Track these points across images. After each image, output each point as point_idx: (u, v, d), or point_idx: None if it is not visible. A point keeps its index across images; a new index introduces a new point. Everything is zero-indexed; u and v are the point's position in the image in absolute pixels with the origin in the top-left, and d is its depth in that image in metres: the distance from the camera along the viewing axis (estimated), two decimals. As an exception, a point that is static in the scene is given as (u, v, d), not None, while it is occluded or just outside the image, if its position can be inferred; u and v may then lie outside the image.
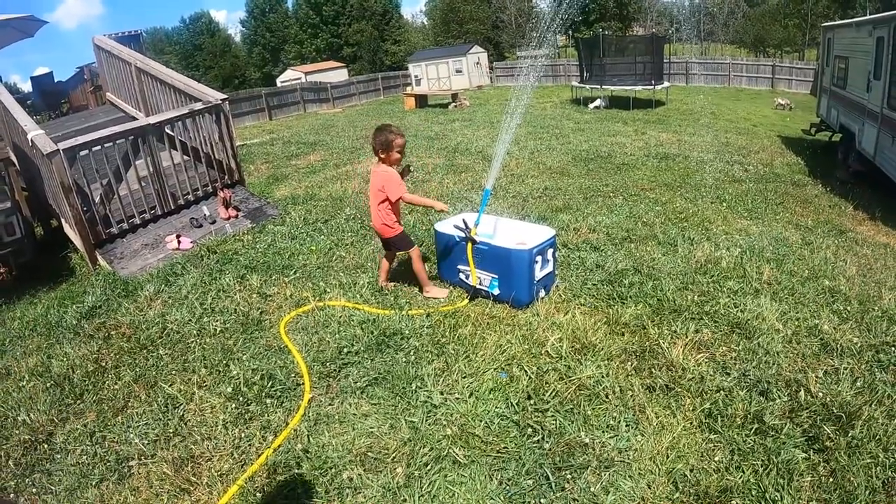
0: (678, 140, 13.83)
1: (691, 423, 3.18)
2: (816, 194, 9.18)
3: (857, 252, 6.26)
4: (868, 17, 10.25)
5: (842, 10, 43.20)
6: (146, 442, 3.34)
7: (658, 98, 22.57)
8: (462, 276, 4.83)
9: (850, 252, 6.21)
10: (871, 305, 4.57)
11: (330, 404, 3.54)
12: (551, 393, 3.43)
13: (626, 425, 3.18)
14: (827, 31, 13.95)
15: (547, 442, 3.07)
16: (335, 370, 3.88)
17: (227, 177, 7.91)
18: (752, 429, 3.09)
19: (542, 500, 2.71)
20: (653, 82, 21.98)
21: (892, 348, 3.84)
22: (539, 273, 4.51)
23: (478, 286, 4.69)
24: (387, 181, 4.50)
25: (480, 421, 3.25)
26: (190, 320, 4.76)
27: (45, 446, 3.45)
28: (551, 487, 2.78)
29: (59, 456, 3.34)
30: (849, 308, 4.50)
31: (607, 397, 3.41)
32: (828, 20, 30.28)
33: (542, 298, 4.63)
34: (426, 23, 73.74)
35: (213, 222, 7.16)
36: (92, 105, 13.26)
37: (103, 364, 4.26)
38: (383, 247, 5.05)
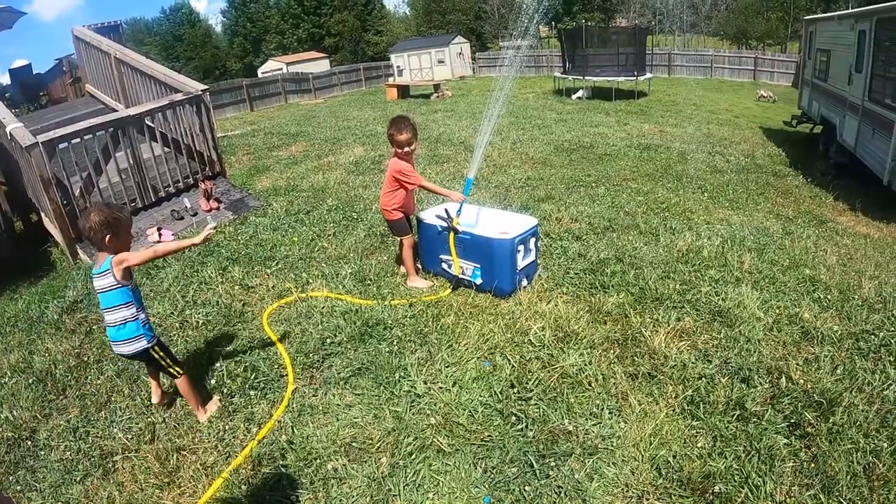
0: (660, 131, 13.92)
1: (674, 411, 3.21)
2: (797, 185, 9.30)
3: (837, 242, 6.35)
4: (850, 10, 10.35)
5: (824, 3, 43.56)
6: (130, 436, 3.31)
7: (640, 89, 22.68)
8: (445, 265, 4.83)
9: (831, 242, 6.29)
10: (851, 294, 4.63)
11: (314, 395, 3.54)
12: (534, 381, 3.45)
13: (609, 413, 3.20)
14: (809, 25, 14.10)
15: (531, 430, 3.09)
16: (318, 361, 3.87)
17: (208, 168, 7.84)
18: (734, 415, 3.13)
19: (526, 488, 2.73)
20: (635, 73, 22.09)
21: (872, 336, 3.89)
22: (521, 262, 4.52)
23: (460, 276, 4.69)
24: (398, 173, 4.59)
25: (464, 410, 3.26)
26: (172, 313, 4.72)
27: (29, 443, 3.41)
28: (535, 475, 2.80)
29: (42, 452, 3.30)
30: (829, 297, 4.55)
31: (590, 385, 3.44)
32: (810, 13, 30.53)
33: (525, 287, 4.65)
34: (408, 13, 73.45)
35: (195, 214, 7.09)
36: (71, 97, 13.07)
37: (85, 359, 4.21)
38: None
